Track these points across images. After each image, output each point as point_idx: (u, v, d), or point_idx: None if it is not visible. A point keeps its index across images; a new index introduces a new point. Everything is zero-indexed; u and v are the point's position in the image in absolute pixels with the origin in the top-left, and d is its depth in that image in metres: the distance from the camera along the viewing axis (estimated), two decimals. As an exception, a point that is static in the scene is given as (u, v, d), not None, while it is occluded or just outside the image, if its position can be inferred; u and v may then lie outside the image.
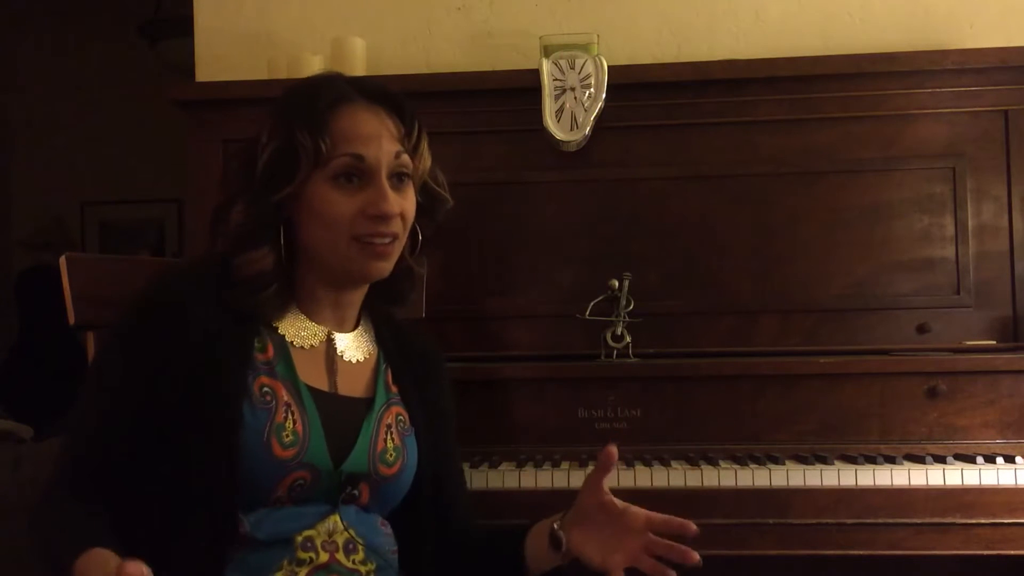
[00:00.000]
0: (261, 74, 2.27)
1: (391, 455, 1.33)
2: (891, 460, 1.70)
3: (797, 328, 2.05)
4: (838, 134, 2.10)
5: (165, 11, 4.47)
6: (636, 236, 2.09)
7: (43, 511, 1.21)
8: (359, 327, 1.40)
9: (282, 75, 2.19)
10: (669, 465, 1.72)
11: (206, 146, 2.09)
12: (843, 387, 1.84)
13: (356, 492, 1.29)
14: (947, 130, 2.08)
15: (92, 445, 1.23)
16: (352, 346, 1.36)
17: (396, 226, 1.29)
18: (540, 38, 2.16)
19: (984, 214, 2.06)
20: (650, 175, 2.11)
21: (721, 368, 1.87)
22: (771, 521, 1.67)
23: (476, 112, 2.13)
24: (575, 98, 2.09)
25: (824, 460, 1.71)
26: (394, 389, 1.39)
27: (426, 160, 1.35)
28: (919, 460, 1.70)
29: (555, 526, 1.28)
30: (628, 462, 1.75)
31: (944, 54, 2.08)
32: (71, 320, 1.49)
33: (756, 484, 1.68)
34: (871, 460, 1.71)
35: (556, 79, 2.10)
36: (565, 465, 1.73)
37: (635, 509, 1.23)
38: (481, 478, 1.69)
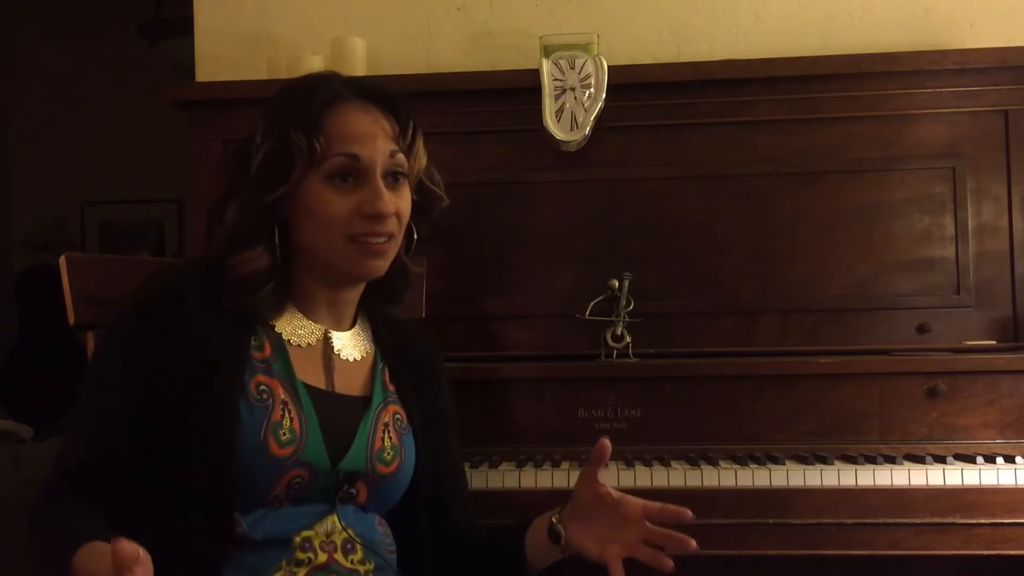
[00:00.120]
0: (261, 74, 2.27)
1: (389, 454, 1.33)
2: (891, 460, 1.70)
3: (797, 328, 2.05)
4: (838, 134, 2.10)
5: (165, 11, 4.46)
6: (636, 236, 2.09)
7: (42, 511, 1.21)
8: (356, 326, 1.40)
9: (282, 75, 2.19)
10: (669, 465, 1.72)
11: (206, 146, 2.09)
12: (843, 387, 1.84)
13: (354, 491, 1.29)
14: (947, 130, 2.08)
15: (90, 445, 1.23)
16: (349, 345, 1.36)
17: (391, 225, 1.29)
18: (540, 38, 2.16)
19: (984, 214, 2.06)
20: (650, 175, 2.11)
21: (721, 368, 1.87)
22: (771, 521, 1.67)
23: (476, 112, 2.13)
24: (575, 98, 2.09)
25: (824, 460, 1.71)
26: (391, 388, 1.39)
27: (421, 159, 1.35)
28: (919, 460, 1.70)
29: (553, 520, 1.29)
30: (628, 462, 1.76)
31: (944, 54, 2.08)
32: (71, 320, 1.49)
33: (756, 484, 1.68)
34: (871, 460, 1.71)
35: (556, 79, 2.10)
36: (565, 465, 1.73)
37: (631, 499, 1.23)
38: (481, 478, 1.69)
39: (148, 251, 5.27)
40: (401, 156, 1.31)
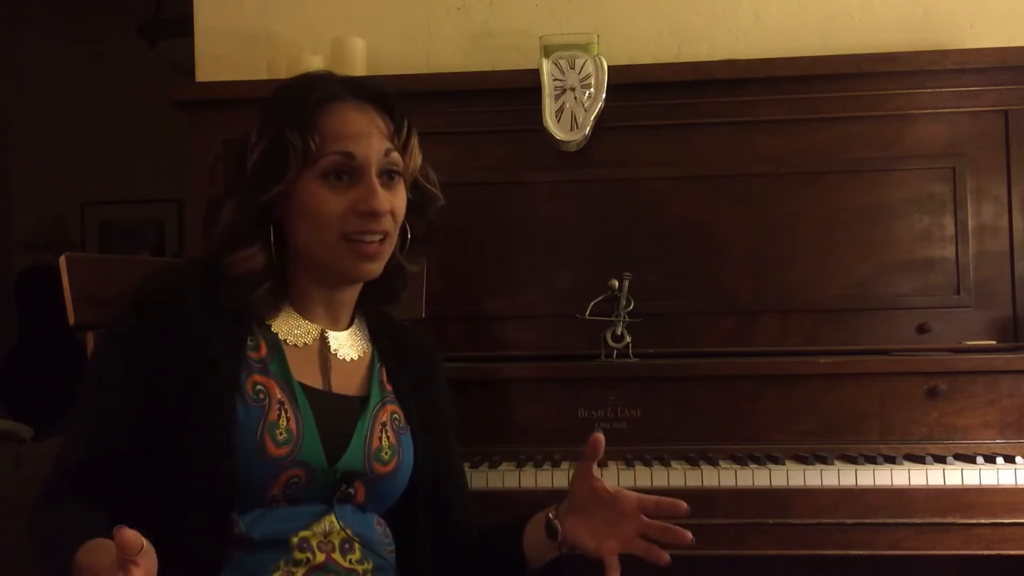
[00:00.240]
0: (261, 74, 2.27)
1: (386, 453, 1.33)
2: (891, 460, 1.70)
3: (797, 328, 2.05)
4: (838, 134, 2.10)
5: (165, 11, 4.46)
6: (636, 236, 2.09)
7: (42, 510, 1.21)
8: (353, 325, 1.40)
9: (282, 75, 2.19)
10: (669, 465, 1.72)
11: (206, 146, 2.09)
12: (843, 387, 1.84)
13: (352, 491, 1.29)
14: (947, 130, 2.08)
15: (89, 445, 1.23)
16: (346, 344, 1.36)
17: (386, 224, 1.29)
18: (540, 38, 2.16)
19: (984, 214, 2.06)
20: (650, 175, 2.11)
21: (721, 368, 1.87)
22: (771, 521, 1.67)
23: (476, 112, 2.13)
24: (575, 98, 2.09)
25: (824, 460, 1.71)
26: (389, 388, 1.39)
27: (416, 157, 1.35)
28: (919, 460, 1.70)
29: (550, 516, 1.29)
30: (628, 462, 1.76)
31: (944, 54, 2.08)
32: (71, 320, 1.49)
33: (756, 484, 1.68)
34: (871, 460, 1.71)
35: (556, 79, 2.10)
36: (565, 465, 1.73)
37: (626, 493, 1.24)
38: (481, 478, 1.69)
39: (148, 251, 5.26)
40: (396, 155, 1.31)
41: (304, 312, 1.34)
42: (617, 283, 1.97)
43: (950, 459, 1.69)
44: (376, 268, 1.31)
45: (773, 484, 1.67)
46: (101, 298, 1.46)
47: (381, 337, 1.42)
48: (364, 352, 1.39)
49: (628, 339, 1.94)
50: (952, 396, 1.83)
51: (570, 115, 2.09)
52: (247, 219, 1.28)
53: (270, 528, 1.23)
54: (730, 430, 1.84)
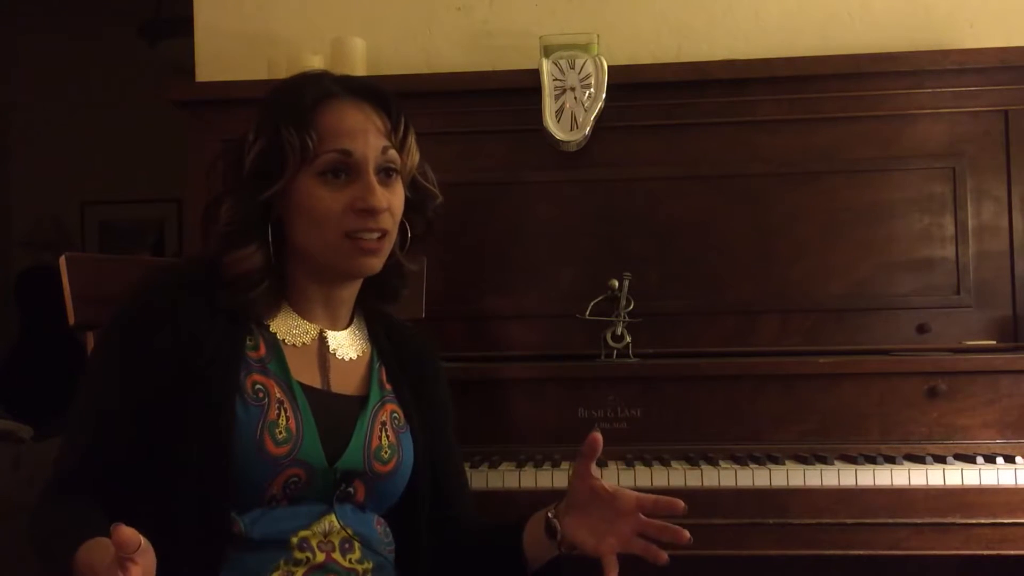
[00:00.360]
0: (261, 74, 2.27)
1: (386, 452, 1.33)
2: (891, 460, 1.70)
3: (797, 328, 2.05)
4: (838, 134, 2.10)
5: (165, 11, 4.46)
6: (636, 236, 2.09)
7: (42, 511, 1.21)
8: (352, 325, 1.40)
9: (282, 75, 2.18)
10: (669, 465, 1.72)
11: (206, 146, 2.09)
12: (843, 387, 1.84)
13: (351, 490, 1.29)
14: (947, 130, 2.08)
15: (89, 447, 1.23)
16: (345, 344, 1.36)
17: (385, 222, 1.29)
18: (540, 38, 2.16)
19: (984, 214, 2.06)
20: (650, 175, 2.11)
21: (721, 368, 1.87)
22: (771, 521, 1.67)
23: (476, 112, 2.13)
24: (575, 98, 2.09)
25: (824, 460, 1.71)
26: (388, 387, 1.39)
27: (414, 155, 1.35)
28: (919, 460, 1.70)
29: (549, 515, 1.29)
30: (628, 462, 1.76)
31: (944, 54, 2.08)
32: (71, 320, 1.49)
33: (756, 484, 1.68)
34: (871, 460, 1.71)
35: (556, 79, 2.10)
36: (565, 465, 1.73)
37: (625, 492, 1.24)
38: (481, 478, 1.69)
39: (148, 251, 5.26)
40: (393, 152, 1.31)
41: (303, 312, 1.34)
42: (617, 283, 1.97)
43: (950, 459, 1.69)
44: (376, 264, 1.32)
45: (773, 484, 1.67)
46: (101, 298, 1.46)
47: (380, 337, 1.42)
48: (363, 351, 1.39)
49: (628, 339, 1.94)
50: (952, 396, 1.83)
51: (570, 115, 2.09)
52: (245, 218, 1.29)
53: (270, 528, 1.23)
54: (730, 430, 1.84)
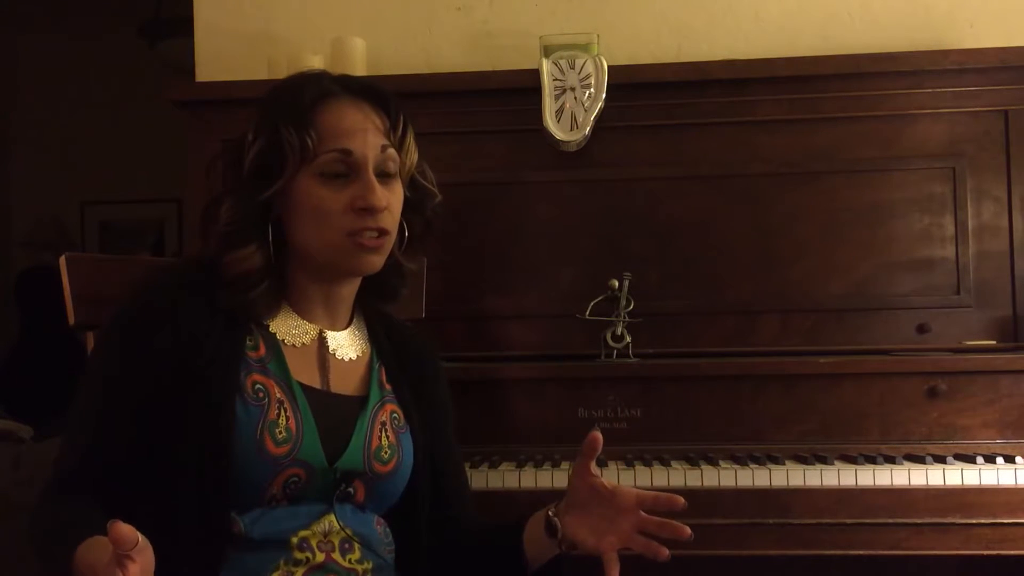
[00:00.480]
0: (261, 74, 2.27)
1: (386, 452, 1.33)
2: (891, 460, 1.70)
3: (797, 328, 2.05)
4: (838, 134, 2.10)
5: (165, 11, 4.46)
6: (636, 236, 2.09)
7: (42, 510, 1.21)
8: (352, 325, 1.40)
9: (282, 75, 2.16)
10: (669, 465, 1.72)
11: (206, 146, 2.08)
12: (843, 387, 1.84)
13: (351, 490, 1.29)
14: (947, 130, 2.08)
15: (89, 448, 1.23)
16: (345, 344, 1.36)
17: (384, 220, 1.29)
18: (540, 38, 2.16)
19: (984, 214, 2.06)
20: (650, 175, 2.11)
21: (721, 368, 1.87)
22: (771, 521, 1.67)
23: (476, 112, 2.13)
24: (575, 98, 2.09)
25: (824, 460, 1.71)
26: (388, 387, 1.39)
27: (413, 154, 1.35)
28: (919, 460, 1.70)
29: (550, 513, 1.29)
30: (628, 462, 1.76)
31: (944, 54, 2.08)
32: (71, 320, 1.49)
33: (756, 484, 1.68)
34: (871, 460, 1.71)
35: (556, 79, 2.10)
36: (565, 465, 1.73)
37: (625, 489, 1.23)
38: (481, 478, 1.69)
39: (148, 251, 5.26)
40: (392, 151, 1.32)
41: (302, 312, 1.34)
42: (617, 283, 1.97)
43: (950, 459, 1.69)
44: (377, 262, 1.32)
45: (773, 484, 1.67)
46: (101, 298, 1.46)
47: (380, 337, 1.42)
48: (363, 352, 1.39)
49: (628, 339, 1.94)
50: (952, 396, 1.83)
51: (570, 115, 2.09)
52: (245, 218, 1.29)
53: (270, 527, 1.23)
54: (730, 430, 1.84)
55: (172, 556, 1.06)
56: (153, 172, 5.01)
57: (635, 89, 2.11)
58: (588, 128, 2.09)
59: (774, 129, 2.11)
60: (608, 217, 2.10)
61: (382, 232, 1.30)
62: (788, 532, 1.67)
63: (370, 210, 1.27)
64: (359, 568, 1.27)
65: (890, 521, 1.66)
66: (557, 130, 2.09)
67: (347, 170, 1.28)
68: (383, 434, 1.33)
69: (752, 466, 1.69)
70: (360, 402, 1.34)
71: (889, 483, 1.66)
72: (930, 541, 1.66)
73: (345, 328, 1.38)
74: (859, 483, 1.66)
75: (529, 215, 2.11)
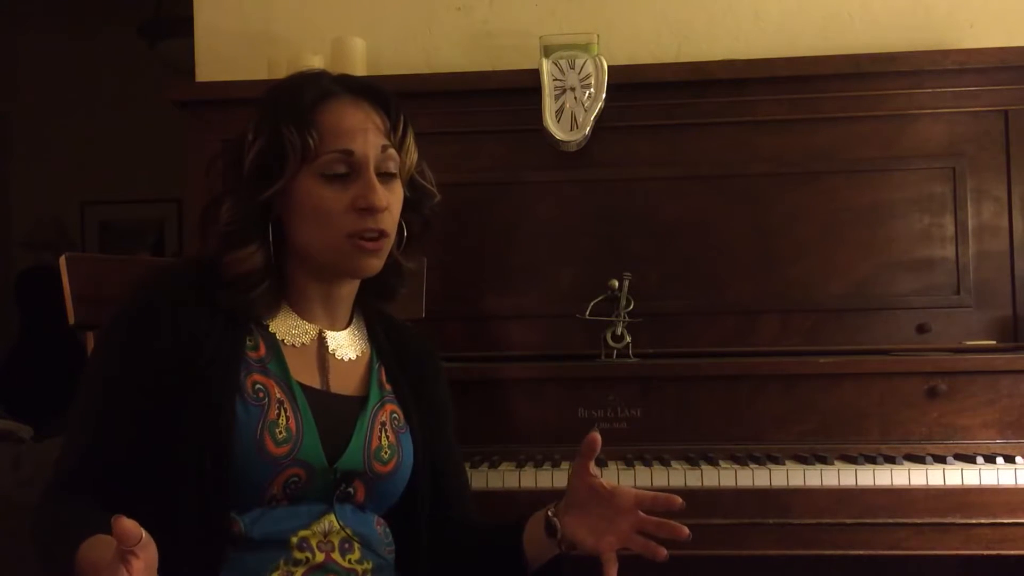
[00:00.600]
0: (261, 74, 2.27)
1: (386, 452, 1.33)
2: (891, 460, 1.70)
3: (797, 328, 2.05)
4: (838, 134, 2.10)
5: (165, 11, 4.46)
6: (636, 236, 2.09)
7: (44, 511, 1.21)
8: (351, 325, 1.40)
9: (282, 75, 2.17)
10: (669, 465, 1.72)
11: (206, 146, 2.08)
12: (843, 387, 1.84)
13: (351, 490, 1.29)
14: (947, 130, 2.09)
15: (89, 448, 1.23)
16: (345, 344, 1.36)
17: (385, 221, 1.29)
18: (540, 38, 2.16)
19: (984, 214, 2.06)
20: (650, 175, 2.11)
21: (721, 368, 1.87)
22: (771, 521, 1.67)
23: (476, 112, 2.13)
24: (575, 98, 2.09)
25: (824, 460, 1.71)
26: (388, 387, 1.39)
27: (412, 154, 1.35)
28: (919, 460, 1.70)
29: (549, 513, 1.29)
30: (628, 462, 1.76)
31: (944, 54, 2.08)
32: (71, 320, 1.49)
33: (756, 484, 1.68)
34: (871, 460, 1.71)
35: (556, 79, 2.10)
36: (565, 465, 1.73)
37: (624, 489, 1.23)
38: (481, 478, 1.69)
39: (148, 251, 5.26)
40: (392, 151, 1.32)
41: (302, 312, 1.34)
42: (617, 283, 1.97)
43: (950, 459, 1.69)
44: (377, 264, 1.32)
45: (773, 484, 1.67)
46: (101, 298, 1.46)
47: (379, 337, 1.42)
48: (363, 352, 1.39)
49: (628, 339, 1.94)
50: (952, 396, 1.83)
51: (570, 115, 2.09)
52: (245, 218, 1.28)
53: (270, 527, 1.23)
54: (730, 430, 1.84)
55: (172, 556, 1.06)
56: (153, 172, 5.01)
57: (635, 89, 2.11)
58: (588, 128, 2.09)
59: (774, 129, 2.11)
60: (608, 217, 2.10)
61: (381, 234, 1.30)
62: (788, 532, 1.67)
63: (371, 210, 1.27)
64: (359, 568, 1.27)
65: (890, 521, 1.66)
66: (557, 130, 2.09)
67: (348, 170, 1.28)
68: (383, 434, 1.33)
69: (752, 466, 1.69)
70: (360, 402, 1.34)
71: (889, 483, 1.66)
72: (930, 541, 1.66)
73: (345, 328, 1.38)
74: (859, 483, 1.66)
75: (529, 215, 2.11)
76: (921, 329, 2.02)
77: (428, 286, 1.83)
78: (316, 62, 2.18)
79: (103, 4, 4.99)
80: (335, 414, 1.30)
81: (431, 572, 1.38)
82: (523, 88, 2.11)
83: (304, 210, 1.29)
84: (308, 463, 1.25)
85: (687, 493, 1.64)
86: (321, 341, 1.34)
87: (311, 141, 1.27)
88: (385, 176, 1.31)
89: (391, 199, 1.30)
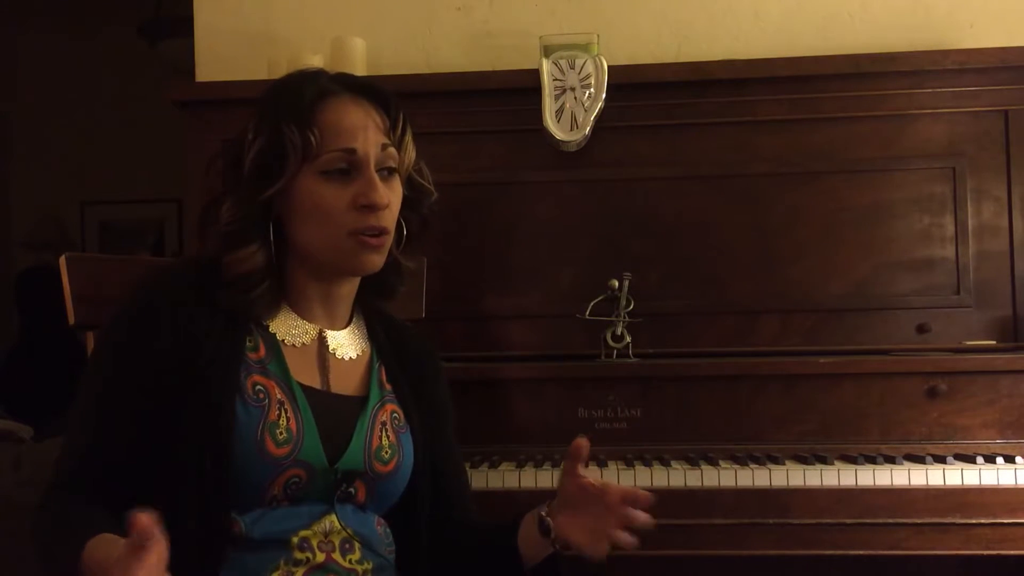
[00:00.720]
0: (261, 74, 2.27)
1: (387, 452, 1.33)
2: (891, 460, 1.70)
3: (797, 328, 2.05)
4: (838, 134, 2.10)
5: (165, 11, 4.46)
6: (636, 236, 2.09)
7: (45, 512, 1.21)
8: (351, 324, 1.40)
9: (282, 75, 2.19)
10: (669, 465, 1.72)
11: (206, 146, 2.08)
12: (843, 387, 1.84)
13: (352, 490, 1.30)
14: (947, 130, 2.09)
15: (89, 450, 1.23)
16: (345, 343, 1.36)
17: (386, 219, 1.30)
18: (540, 38, 2.16)
19: (984, 214, 2.06)
20: (650, 175, 2.11)
21: (721, 368, 1.87)
22: (771, 521, 1.67)
23: (476, 112, 2.13)
24: (575, 98, 2.09)
25: (824, 460, 1.71)
26: (388, 387, 1.39)
27: (411, 153, 1.35)
28: (919, 460, 1.70)
29: (543, 513, 1.29)
30: (628, 462, 1.76)
31: (944, 54, 2.08)
32: (71, 320, 1.49)
33: (756, 484, 1.68)
34: (871, 460, 1.71)
35: (556, 79, 2.10)
36: (565, 465, 1.73)
37: (613, 485, 1.24)
38: (481, 478, 1.69)
39: (148, 251, 5.26)
40: (392, 150, 1.32)
41: (302, 312, 1.34)
42: (617, 283, 1.97)
43: (950, 459, 1.69)
44: (378, 261, 1.32)
45: (773, 484, 1.67)
46: (101, 298, 1.46)
47: (379, 336, 1.42)
48: (363, 351, 1.39)
49: (628, 339, 1.94)
50: (952, 396, 1.83)
51: (570, 115, 2.09)
52: (246, 217, 1.28)
53: (270, 527, 1.23)
54: (730, 430, 1.84)
55: (172, 556, 1.06)
56: (153, 172, 5.01)
57: (635, 89, 2.11)
58: (588, 128, 2.09)
59: (774, 129, 2.11)
60: (608, 217, 2.10)
61: (383, 231, 1.30)
62: (788, 532, 1.67)
63: (372, 207, 1.28)
64: (359, 568, 1.27)
65: (890, 521, 1.66)
66: (557, 130, 2.09)
67: (349, 168, 1.29)
68: (383, 434, 1.33)
69: (752, 466, 1.69)
70: (360, 402, 1.34)
71: (889, 483, 1.66)
72: (930, 541, 1.66)
73: (345, 327, 1.38)
74: (859, 483, 1.66)
75: (529, 215, 2.11)
76: (921, 329, 2.02)
77: (428, 286, 1.83)
78: (316, 62, 2.18)
79: (103, 4, 4.99)
80: (335, 414, 1.30)
81: (431, 572, 1.38)
82: (523, 88, 2.11)
83: (305, 208, 1.29)
84: (309, 463, 1.25)
85: (687, 493, 1.66)
86: (321, 340, 1.34)
87: (312, 139, 1.27)
88: (386, 175, 1.31)
89: (392, 197, 1.31)
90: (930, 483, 1.66)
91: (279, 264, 1.32)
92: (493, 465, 1.74)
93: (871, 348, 1.98)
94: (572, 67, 2.10)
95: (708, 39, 2.30)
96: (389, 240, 1.32)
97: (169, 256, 5.12)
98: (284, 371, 1.28)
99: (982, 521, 1.65)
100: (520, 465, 1.74)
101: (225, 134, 2.04)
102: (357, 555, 1.28)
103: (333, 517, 1.27)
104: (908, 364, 1.86)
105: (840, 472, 1.67)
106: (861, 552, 1.67)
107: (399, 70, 2.27)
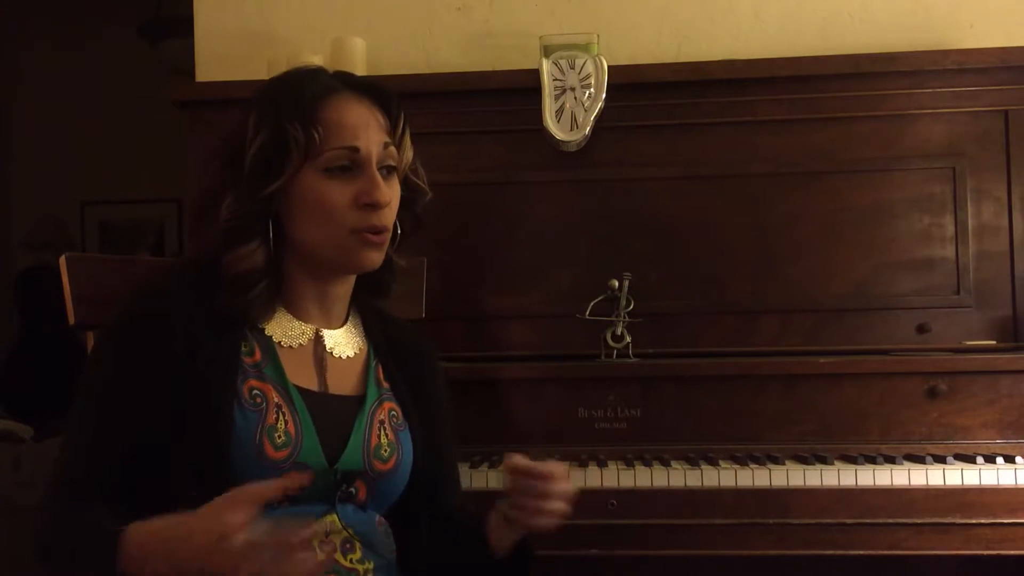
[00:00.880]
0: (261, 74, 2.26)
1: (386, 451, 1.33)
2: (891, 460, 1.70)
3: (797, 328, 2.05)
4: (838, 134, 2.10)
5: (165, 11, 4.46)
6: (636, 236, 2.09)
7: (49, 514, 1.20)
8: (347, 323, 1.39)
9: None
10: (669, 465, 1.72)
11: (206, 146, 2.08)
12: (843, 387, 1.85)
13: (353, 490, 1.30)
14: (947, 130, 2.09)
15: (88, 456, 1.23)
16: (342, 342, 1.36)
17: (386, 217, 1.30)
18: (540, 38, 2.16)
19: (984, 214, 2.06)
20: (650, 175, 2.11)
21: (721, 368, 1.87)
22: (771, 521, 1.67)
23: (476, 112, 2.13)
24: (575, 98, 2.09)
25: (824, 460, 1.71)
26: (385, 384, 1.39)
27: (408, 152, 1.36)
28: (919, 460, 1.70)
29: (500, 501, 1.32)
30: (628, 462, 1.76)
31: (944, 54, 2.08)
32: (71, 320, 1.49)
33: (756, 484, 1.68)
34: (871, 460, 1.71)
35: (556, 79, 2.10)
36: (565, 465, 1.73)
37: (553, 464, 1.27)
38: (481, 478, 1.69)
39: (148, 251, 5.26)
40: (393, 149, 1.32)
41: (297, 312, 1.34)
42: (617, 283, 1.97)
43: (950, 459, 1.69)
44: (378, 259, 1.32)
45: (773, 484, 1.67)
46: (101, 298, 1.46)
47: (376, 334, 1.42)
48: (360, 349, 1.39)
49: (628, 339, 1.94)
50: (952, 396, 1.83)
51: (570, 115, 2.09)
52: (247, 215, 1.28)
53: (271, 528, 1.23)
54: (730, 430, 1.84)
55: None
56: (153, 172, 5.01)
57: (635, 89, 2.11)
58: (588, 128, 2.09)
59: (774, 129, 2.11)
60: (608, 217, 2.10)
61: (384, 229, 1.30)
62: (788, 532, 1.67)
63: (374, 205, 1.28)
64: (360, 568, 1.27)
65: (890, 521, 1.66)
66: (557, 130, 2.09)
67: (351, 166, 1.29)
68: (382, 432, 1.33)
69: (752, 466, 1.69)
70: (358, 401, 1.34)
71: (889, 483, 1.66)
72: (930, 541, 1.66)
73: (341, 326, 1.38)
74: (859, 483, 1.66)
75: (529, 215, 2.11)
76: (921, 329, 2.02)
77: (428, 286, 1.83)
78: (316, 62, 2.18)
79: (103, 4, 5.00)
80: (333, 415, 1.30)
81: (431, 572, 1.38)
82: (523, 88, 2.11)
83: (306, 206, 1.28)
84: (308, 465, 1.25)
85: (687, 493, 1.66)
86: (318, 340, 1.34)
87: (315, 136, 1.26)
88: (386, 173, 1.31)
89: (392, 195, 1.31)
90: (930, 483, 1.66)
91: (276, 263, 1.32)
92: (493, 465, 1.74)
93: (871, 348, 1.98)
94: (572, 67, 2.10)
95: (708, 39, 2.30)
96: (388, 238, 1.33)
97: (169, 256, 5.12)
98: (280, 374, 1.28)
99: (982, 521, 1.65)
100: (520, 465, 1.74)
101: (225, 134, 2.06)
102: (358, 555, 1.28)
103: (334, 517, 1.27)
104: (908, 364, 1.86)
105: (840, 472, 1.67)
106: (861, 552, 1.67)
107: (399, 70, 2.27)
